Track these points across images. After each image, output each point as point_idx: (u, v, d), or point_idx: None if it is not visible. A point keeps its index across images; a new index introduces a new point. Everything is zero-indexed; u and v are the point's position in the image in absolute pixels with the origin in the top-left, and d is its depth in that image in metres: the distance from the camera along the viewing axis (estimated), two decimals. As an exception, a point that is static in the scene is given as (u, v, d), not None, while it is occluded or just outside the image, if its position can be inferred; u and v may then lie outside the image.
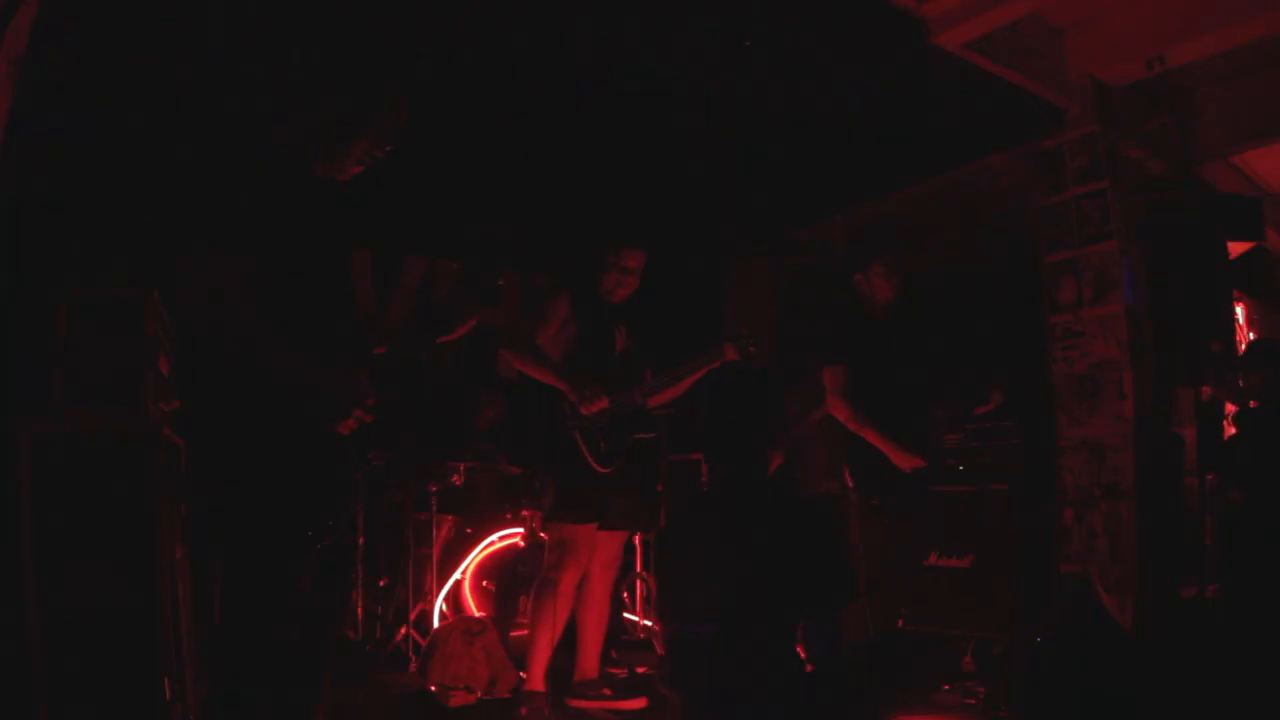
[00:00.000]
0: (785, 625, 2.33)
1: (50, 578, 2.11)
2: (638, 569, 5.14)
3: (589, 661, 3.52)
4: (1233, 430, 4.46)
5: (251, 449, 1.87)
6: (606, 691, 3.45)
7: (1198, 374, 4.01)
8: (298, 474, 1.91)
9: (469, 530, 4.71)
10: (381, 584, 4.72)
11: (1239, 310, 5.70)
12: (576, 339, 3.49)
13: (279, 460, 1.88)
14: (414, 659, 4.19)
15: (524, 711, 3.27)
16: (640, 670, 4.05)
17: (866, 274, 3.81)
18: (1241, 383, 4.24)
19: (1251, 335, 5.96)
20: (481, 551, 4.63)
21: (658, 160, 4.54)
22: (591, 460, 3.36)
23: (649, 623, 4.79)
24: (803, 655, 2.33)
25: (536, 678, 3.32)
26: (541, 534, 4.14)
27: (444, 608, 4.57)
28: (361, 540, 4.41)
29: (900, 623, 3.78)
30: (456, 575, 4.63)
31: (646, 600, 5.03)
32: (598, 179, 4.54)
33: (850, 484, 3.82)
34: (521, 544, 4.68)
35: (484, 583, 4.58)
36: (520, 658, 3.56)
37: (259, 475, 1.87)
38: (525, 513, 4.68)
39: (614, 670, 4.15)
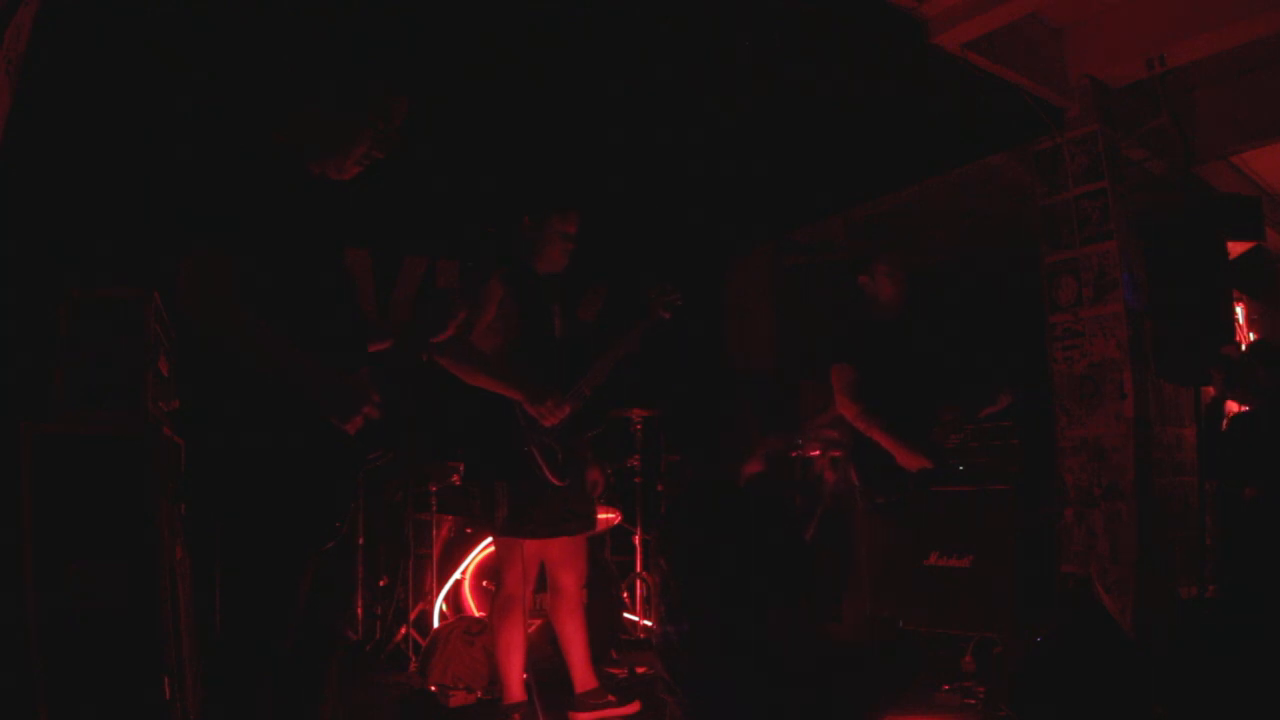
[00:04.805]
0: (765, 624, 2.33)
1: (50, 578, 2.12)
2: (638, 569, 5.15)
3: (584, 673, 3.40)
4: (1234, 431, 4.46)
5: (260, 450, 1.86)
6: (611, 698, 3.40)
7: (1198, 374, 4.01)
8: (306, 475, 1.90)
9: (469, 530, 4.71)
10: (381, 584, 4.73)
11: (1239, 310, 5.70)
12: (518, 326, 3.24)
13: (288, 461, 1.88)
14: (414, 659, 4.19)
15: (517, 718, 3.24)
16: (640, 670, 4.05)
17: (872, 274, 3.82)
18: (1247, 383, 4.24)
19: (1252, 335, 5.96)
20: (481, 551, 4.63)
21: (657, 160, 4.53)
22: (549, 474, 3.16)
23: (649, 623, 4.80)
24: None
25: (516, 691, 3.24)
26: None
27: (444, 608, 4.57)
28: (361, 540, 4.42)
29: (900, 622, 3.78)
30: (456, 575, 4.63)
31: (646, 600, 5.04)
32: (597, 179, 4.54)
33: (856, 482, 3.82)
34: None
35: (484, 583, 4.58)
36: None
37: (267, 476, 1.86)
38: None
39: (613, 670, 4.15)
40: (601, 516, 4.52)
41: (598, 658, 3.79)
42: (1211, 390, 4.16)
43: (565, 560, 3.33)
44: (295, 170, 2.00)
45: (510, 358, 3.23)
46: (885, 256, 3.84)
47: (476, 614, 4.36)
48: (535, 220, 3.33)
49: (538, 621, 3.99)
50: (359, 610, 4.51)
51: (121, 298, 2.41)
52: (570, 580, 3.36)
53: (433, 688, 3.74)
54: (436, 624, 4.39)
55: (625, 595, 4.99)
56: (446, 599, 4.60)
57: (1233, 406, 4.41)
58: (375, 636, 4.58)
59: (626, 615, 4.95)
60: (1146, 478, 4.04)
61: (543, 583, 3.49)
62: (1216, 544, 4.14)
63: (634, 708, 3.39)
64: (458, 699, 3.69)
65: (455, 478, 4.61)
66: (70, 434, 2.21)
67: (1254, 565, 3.89)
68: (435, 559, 4.57)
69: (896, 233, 5.78)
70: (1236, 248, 4.10)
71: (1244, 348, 4.70)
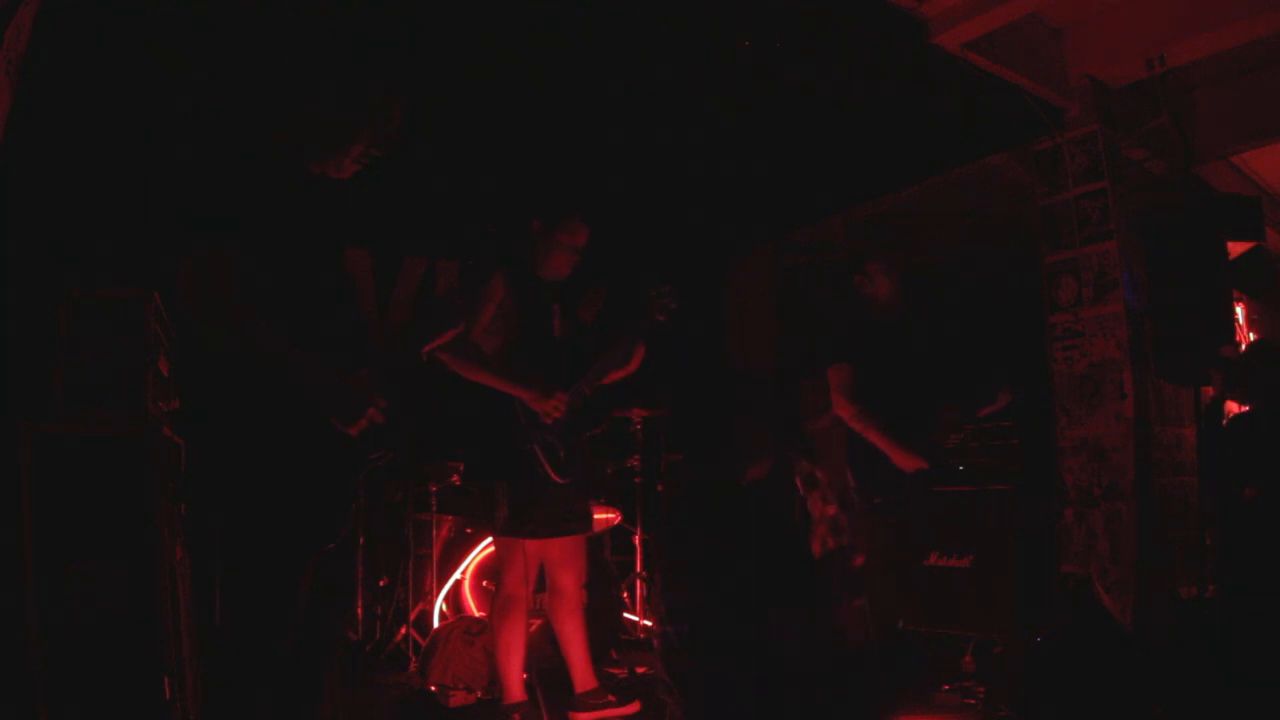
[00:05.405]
0: (765, 624, 2.32)
1: (50, 578, 2.12)
2: (638, 569, 5.15)
3: (583, 673, 3.40)
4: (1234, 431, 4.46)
5: (260, 450, 1.86)
6: (611, 698, 3.40)
7: (1198, 374, 4.01)
8: (307, 475, 1.90)
9: (469, 530, 4.71)
10: (381, 584, 4.73)
11: (1239, 310, 5.69)
12: (518, 326, 3.25)
13: (289, 461, 1.87)
14: (414, 659, 4.19)
15: (517, 718, 3.24)
16: (640, 670, 4.05)
17: (866, 274, 3.82)
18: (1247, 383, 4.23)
19: (1252, 335, 5.96)
20: (481, 551, 4.63)
21: (657, 160, 4.53)
22: (551, 472, 3.16)
23: (649, 623, 4.80)
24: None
25: (516, 691, 3.25)
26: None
27: (444, 608, 4.57)
28: (361, 540, 4.42)
29: (900, 623, 3.78)
30: (456, 575, 4.63)
31: (646, 600, 5.04)
32: (597, 179, 4.54)
33: (853, 482, 3.82)
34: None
35: (484, 583, 4.58)
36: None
37: (268, 476, 1.86)
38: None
39: (613, 670, 4.15)
40: (602, 516, 4.52)
41: (598, 658, 3.79)
42: (1211, 390, 4.16)
43: (565, 560, 3.33)
44: (295, 170, 2.00)
45: (510, 357, 3.23)
46: (874, 256, 3.85)
47: (476, 614, 4.36)
48: (544, 226, 3.33)
49: (538, 621, 4.00)
50: (359, 610, 4.50)
51: (121, 298, 2.41)
52: (570, 580, 3.35)
53: (433, 688, 3.74)
54: (436, 624, 4.39)
55: (625, 595, 4.99)
56: (446, 599, 4.60)
57: (1233, 406, 4.41)
58: (375, 636, 4.58)
59: (626, 615, 4.95)
60: (1146, 478, 4.04)
61: (543, 583, 3.49)
62: (1216, 544, 4.13)
63: (634, 708, 3.38)
64: (458, 699, 3.69)
65: (455, 478, 4.61)
66: (70, 434, 2.21)
67: (1254, 565, 3.88)
68: (435, 559, 4.57)
69: (896, 233, 5.78)
70: (1236, 248, 4.09)
71: (1244, 348, 4.70)
